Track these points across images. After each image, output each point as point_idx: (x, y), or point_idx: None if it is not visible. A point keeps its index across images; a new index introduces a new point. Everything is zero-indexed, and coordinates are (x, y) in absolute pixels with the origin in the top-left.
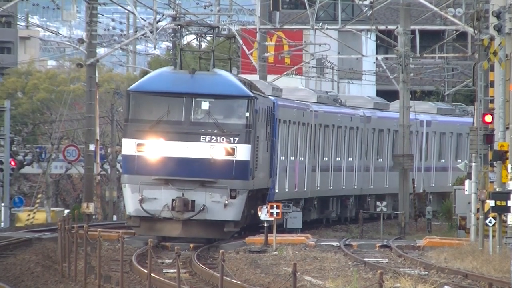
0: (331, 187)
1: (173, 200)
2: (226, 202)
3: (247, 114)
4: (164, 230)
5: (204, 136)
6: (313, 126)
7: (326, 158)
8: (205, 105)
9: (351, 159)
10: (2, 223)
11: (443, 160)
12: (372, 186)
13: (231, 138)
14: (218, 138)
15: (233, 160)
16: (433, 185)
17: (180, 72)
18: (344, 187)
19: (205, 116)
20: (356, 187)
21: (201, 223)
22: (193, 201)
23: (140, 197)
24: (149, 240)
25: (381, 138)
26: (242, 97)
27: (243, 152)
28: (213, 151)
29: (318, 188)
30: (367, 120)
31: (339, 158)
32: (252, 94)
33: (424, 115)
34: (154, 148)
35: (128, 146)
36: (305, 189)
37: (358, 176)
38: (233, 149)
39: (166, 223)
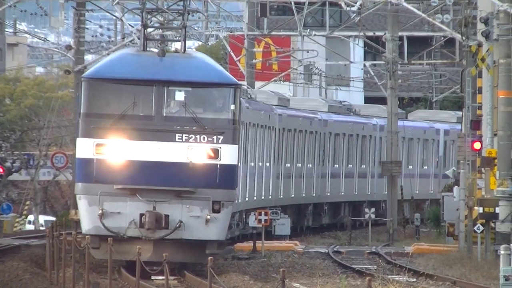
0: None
1: (141, 215)
2: (208, 217)
3: (233, 107)
4: (131, 252)
5: (181, 135)
6: (322, 134)
7: (337, 165)
8: (180, 95)
9: (364, 166)
10: None
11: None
12: (385, 192)
13: (214, 137)
14: (198, 137)
15: (216, 164)
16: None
17: (146, 55)
18: (356, 192)
19: (181, 109)
20: (369, 192)
21: (177, 244)
22: (166, 216)
23: (99, 212)
24: (137, 247)
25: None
26: (227, 85)
27: (228, 155)
28: (192, 153)
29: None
30: (380, 128)
31: (351, 165)
32: (238, 82)
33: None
34: (117, 150)
35: (84, 148)
36: (313, 194)
37: (371, 182)
38: (216, 150)
39: (133, 244)
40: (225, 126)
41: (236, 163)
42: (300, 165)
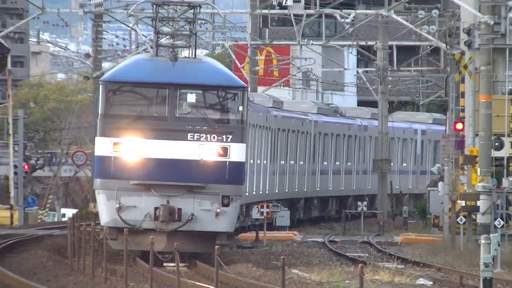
0: (331, 188)
1: (156, 208)
2: (218, 210)
3: (241, 108)
4: (146, 243)
5: (192, 134)
6: (312, 135)
7: (326, 163)
8: (191, 97)
9: (350, 163)
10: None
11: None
12: (370, 187)
13: (224, 136)
14: (209, 136)
15: (226, 161)
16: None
17: (160, 59)
18: (342, 188)
19: (192, 111)
20: (354, 188)
21: (189, 235)
22: (179, 210)
23: (117, 205)
24: (151, 237)
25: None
26: (235, 87)
27: (237, 153)
28: (203, 151)
29: (318, 189)
30: (364, 128)
31: (338, 162)
32: (245, 85)
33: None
34: (133, 148)
35: (103, 146)
36: (305, 189)
37: (356, 179)
38: (226, 148)
39: (148, 235)
40: (234, 126)
41: (244, 160)
42: (293, 162)
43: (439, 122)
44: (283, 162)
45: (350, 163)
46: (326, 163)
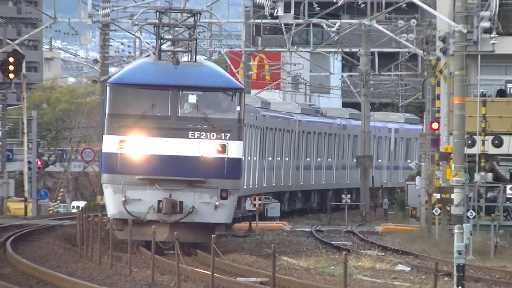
0: (313, 183)
1: (159, 201)
2: (217, 203)
3: (238, 108)
4: (150, 234)
5: (193, 132)
6: (297, 133)
7: (309, 159)
8: (192, 98)
9: (330, 159)
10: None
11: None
12: (348, 181)
13: (222, 134)
14: (208, 134)
15: (224, 158)
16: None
17: (163, 63)
18: (324, 182)
19: (193, 110)
20: (334, 182)
21: (190, 226)
22: (181, 203)
23: (123, 199)
24: (153, 227)
25: (356, 142)
26: (233, 89)
27: (235, 149)
28: (203, 148)
29: (302, 183)
30: (343, 127)
31: (320, 159)
32: (242, 87)
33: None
34: (138, 145)
35: (110, 143)
36: (290, 183)
37: (336, 174)
38: (224, 146)
39: (152, 227)
40: (232, 124)
41: (241, 156)
42: (279, 158)
43: (410, 121)
44: (271, 158)
45: (330, 159)
46: (308, 159)
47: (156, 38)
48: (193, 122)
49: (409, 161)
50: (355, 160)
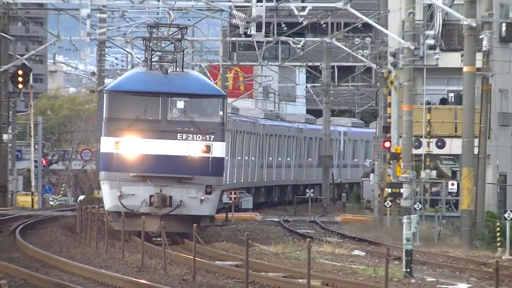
0: (274, 179)
1: (151, 196)
2: (202, 197)
3: (221, 113)
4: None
5: (181, 134)
6: (261, 136)
7: (271, 158)
8: (180, 104)
9: (289, 158)
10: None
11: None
12: (304, 178)
13: (207, 136)
14: (195, 136)
15: (209, 157)
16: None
17: (154, 72)
18: (283, 178)
19: (181, 115)
20: (292, 178)
21: (178, 218)
22: (170, 197)
23: (118, 193)
24: (143, 218)
25: (311, 144)
26: (216, 96)
27: (218, 149)
28: (190, 148)
29: (265, 179)
30: (300, 131)
31: (280, 158)
32: (225, 94)
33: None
34: (132, 146)
35: (106, 144)
36: (255, 180)
37: (294, 171)
38: (209, 146)
39: (144, 219)
40: (216, 127)
41: (224, 156)
42: (247, 158)
43: (356, 125)
44: (240, 157)
45: (289, 159)
46: (271, 158)
47: (146, 50)
48: (181, 125)
49: (356, 160)
50: (310, 159)
